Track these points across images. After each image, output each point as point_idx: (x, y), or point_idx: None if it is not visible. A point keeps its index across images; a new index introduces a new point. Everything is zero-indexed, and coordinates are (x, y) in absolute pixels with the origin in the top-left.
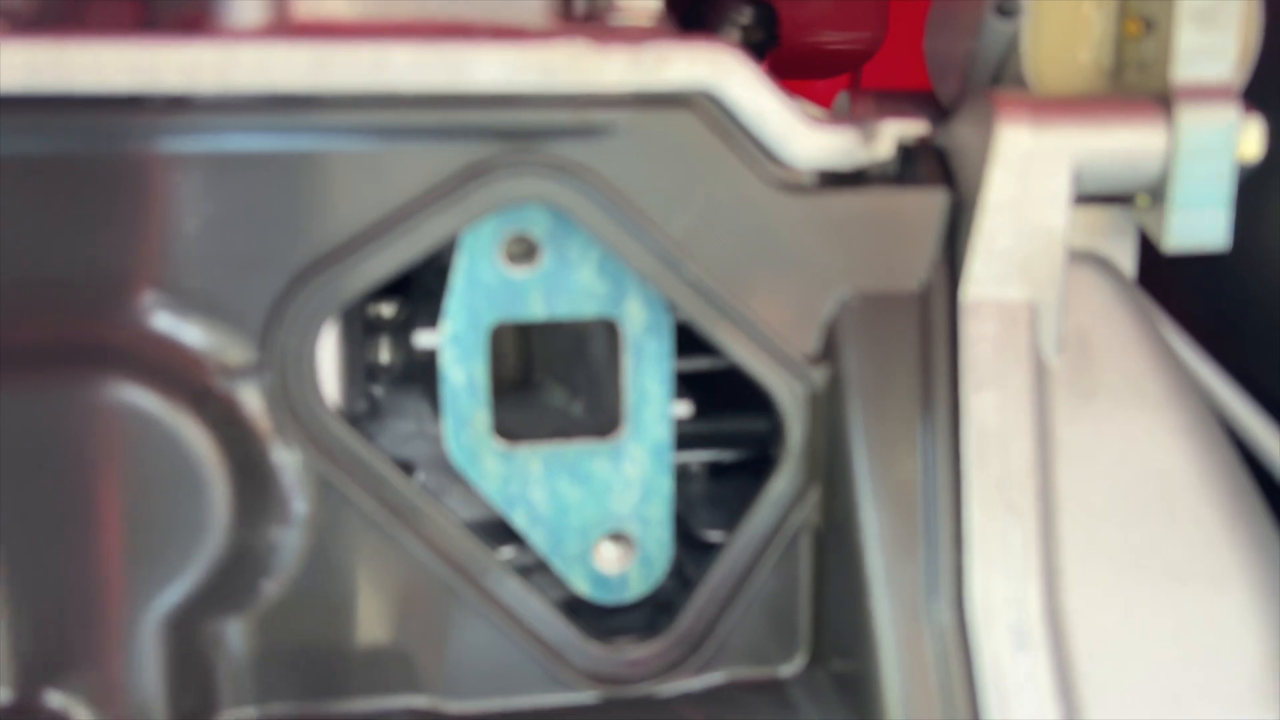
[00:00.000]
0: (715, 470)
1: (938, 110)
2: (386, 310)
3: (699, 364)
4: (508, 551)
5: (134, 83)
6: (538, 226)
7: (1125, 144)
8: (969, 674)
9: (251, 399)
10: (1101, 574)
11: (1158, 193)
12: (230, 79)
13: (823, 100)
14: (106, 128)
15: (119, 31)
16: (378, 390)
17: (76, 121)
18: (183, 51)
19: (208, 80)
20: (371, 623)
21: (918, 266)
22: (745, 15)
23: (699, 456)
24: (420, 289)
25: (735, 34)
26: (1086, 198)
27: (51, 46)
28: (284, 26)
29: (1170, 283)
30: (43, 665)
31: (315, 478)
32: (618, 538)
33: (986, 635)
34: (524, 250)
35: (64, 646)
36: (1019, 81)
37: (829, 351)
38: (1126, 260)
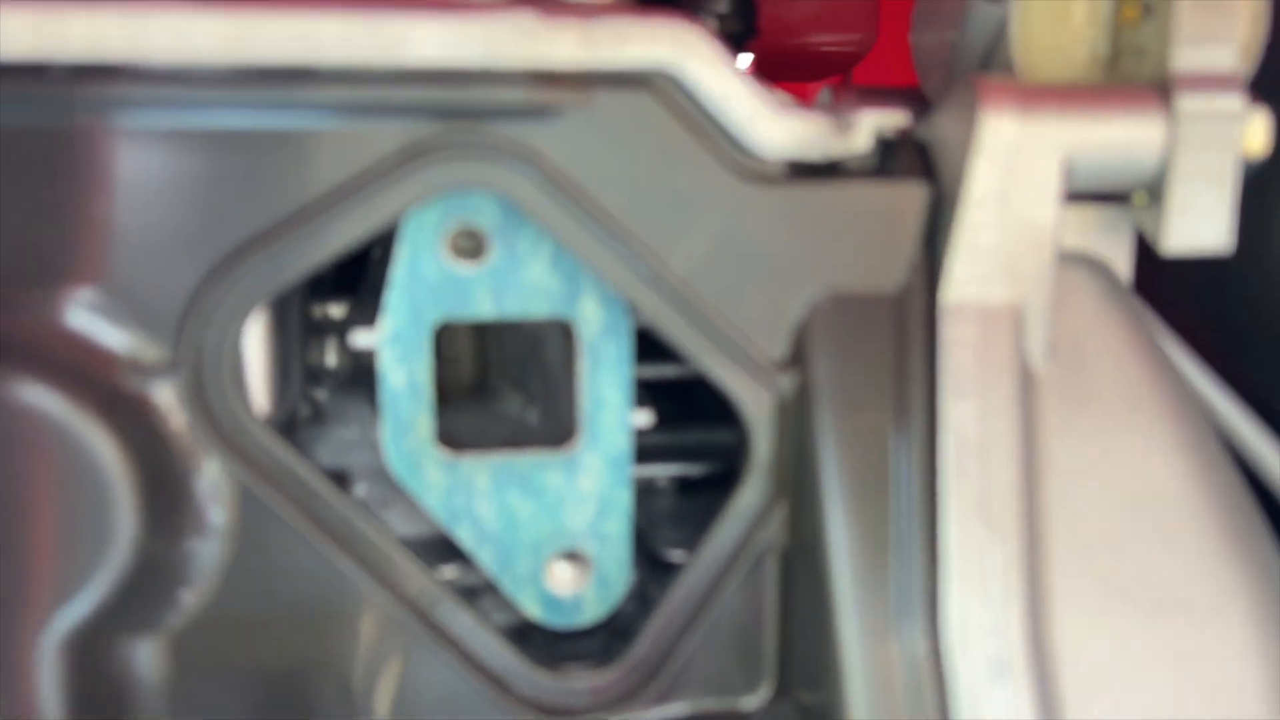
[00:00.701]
0: (683, 486)
1: (925, 106)
2: (335, 311)
3: (662, 371)
4: (451, 571)
5: (37, 49)
6: (485, 218)
7: (1120, 136)
8: (943, 706)
9: (165, 400)
10: (1091, 600)
11: (1155, 189)
12: (141, 48)
13: None
14: (8, 99)
15: None
16: (321, 395)
17: None
18: (89, 17)
19: (116, 49)
20: (297, 646)
21: (895, 266)
22: (722, 3)
23: (661, 470)
24: (370, 288)
25: (712, 23)
26: (1079, 195)
27: None
28: None
29: (1167, 288)
30: None
31: (235, 486)
32: (572, 556)
33: (963, 664)
34: (471, 245)
35: None
36: (1008, 71)
37: (798, 357)
38: (1122, 262)
